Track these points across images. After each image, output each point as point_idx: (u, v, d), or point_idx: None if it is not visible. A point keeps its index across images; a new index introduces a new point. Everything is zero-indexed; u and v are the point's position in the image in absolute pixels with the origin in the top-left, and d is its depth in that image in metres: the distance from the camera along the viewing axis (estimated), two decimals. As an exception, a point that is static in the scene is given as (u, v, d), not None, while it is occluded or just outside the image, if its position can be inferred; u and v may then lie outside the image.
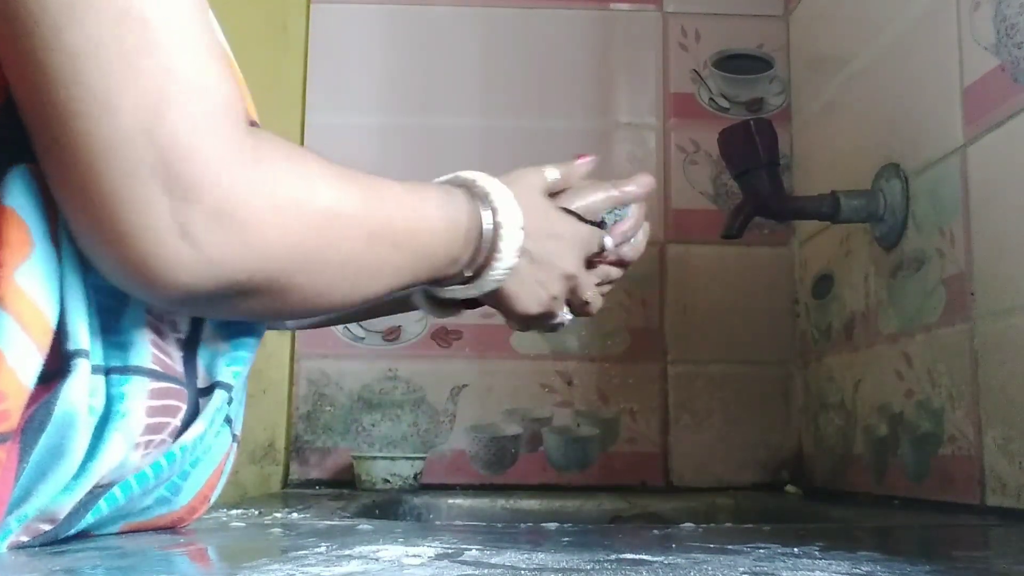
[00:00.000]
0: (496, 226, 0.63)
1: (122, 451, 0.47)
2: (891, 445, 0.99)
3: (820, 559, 0.47)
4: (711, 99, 1.37)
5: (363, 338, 1.30)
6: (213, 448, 0.56)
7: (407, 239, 0.56)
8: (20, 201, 0.44)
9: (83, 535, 0.51)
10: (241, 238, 0.44)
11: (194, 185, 0.42)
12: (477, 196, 0.64)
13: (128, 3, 0.41)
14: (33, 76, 0.41)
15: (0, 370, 0.41)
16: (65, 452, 0.44)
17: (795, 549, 0.51)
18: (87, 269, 0.46)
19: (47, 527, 0.47)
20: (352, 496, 1.06)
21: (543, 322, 0.72)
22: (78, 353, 0.45)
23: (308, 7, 1.37)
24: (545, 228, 0.68)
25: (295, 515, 0.77)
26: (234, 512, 0.76)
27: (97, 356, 0.47)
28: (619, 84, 1.38)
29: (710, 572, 0.42)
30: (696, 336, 1.31)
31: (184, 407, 0.51)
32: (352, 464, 1.20)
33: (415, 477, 1.18)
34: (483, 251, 0.63)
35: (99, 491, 0.48)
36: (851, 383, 1.11)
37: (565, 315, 0.73)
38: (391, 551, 0.48)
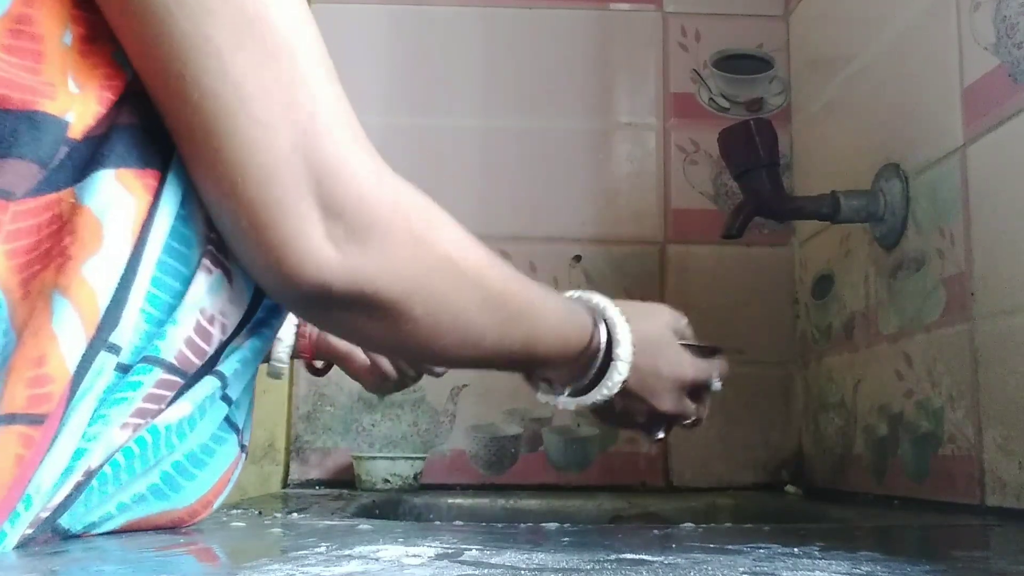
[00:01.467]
0: (609, 350, 0.68)
1: (116, 430, 0.50)
2: (891, 445, 0.99)
3: (820, 559, 0.47)
4: (711, 99, 1.37)
5: (363, 338, 1.30)
6: (218, 453, 0.56)
7: (520, 315, 0.61)
8: (98, 202, 0.47)
9: (84, 535, 0.51)
10: (376, 252, 0.50)
11: (340, 200, 0.49)
12: (598, 316, 0.69)
13: (277, 38, 0.48)
14: (202, 105, 0.47)
15: (52, 354, 0.44)
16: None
17: (795, 549, 0.51)
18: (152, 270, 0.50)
19: (45, 514, 0.47)
20: (352, 496, 1.06)
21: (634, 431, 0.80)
22: (113, 347, 0.47)
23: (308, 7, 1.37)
24: (651, 366, 0.72)
25: (295, 515, 0.77)
26: (234, 512, 0.76)
27: (127, 352, 0.49)
28: (619, 84, 1.38)
29: (710, 572, 0.42)
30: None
31: (171, 395, 0.52)
32: (352, 464, 1.20)
33: (415, 477, 1.18)
34: (590, 371, 0.68)
35: (91, 472, 0.49)
36: (851, 383, 1.11)
37: (657, 436, 0.77)
38: (391, 551, 0.48)
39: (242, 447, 0.60)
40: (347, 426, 1.28)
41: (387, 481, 1.16)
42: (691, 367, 0.75)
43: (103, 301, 0.47)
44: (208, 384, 0.54)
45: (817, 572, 0.42)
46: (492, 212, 1.32)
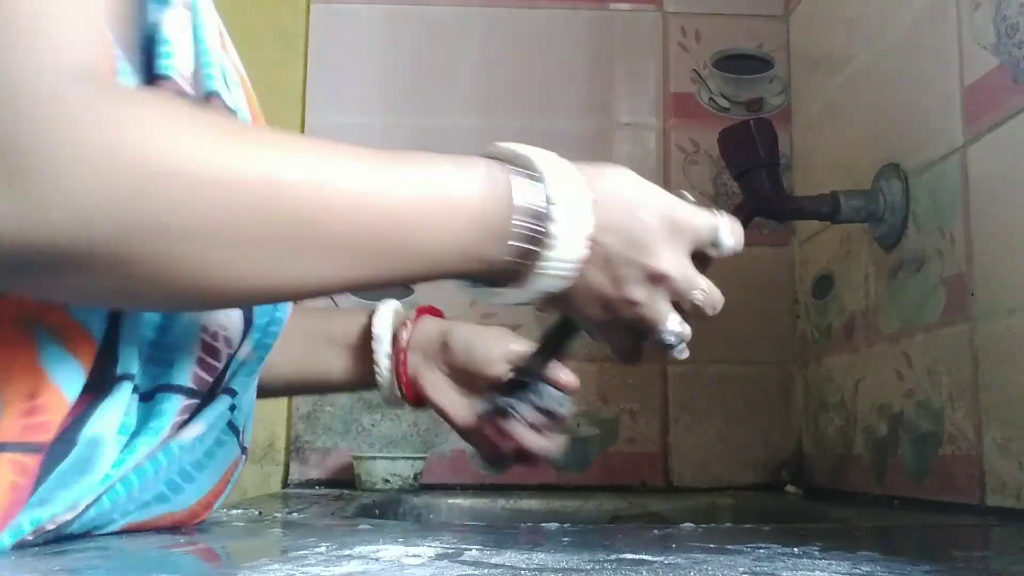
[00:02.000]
0: (547, 204, 0.48)
1: (142, 458, 0.50)
2: (891, 445, 0.99)
3: (820, 559, 0.47)
4: (711, 99, 1.37)
5: (363, 338, 1.30)
6: (218, 455, 0.56)
7: (358, 218, 0.43)
8: None
9: (85, 535, 0.51)
10: (37, 194, 0.35)
11: None
12: (518, 167, 0.49)
13: None
14: None
15: (43, 387, 0.44)
16: (91, 469, 0.47)
17: (795, 549, 0.51)
18: None
19: (52, 527, 0.47)
20: (352, 496, 1.06)
21: (635, 341, 0.57)
22: (125, 376, 0.47)
23: (308, 7, 1.37)
24: (626, 213, 0.53)
25: (295, 515, 0.77)
26: (234, 512, 0.76)
27: (141, 376, 0.49)
28: (619, 84, 1.37)
29: (710, 572, 0.42)
30: (696, 336, 1.30)
31: (188, 417, 0.53)
32: (352, 464, 1.20)
33: (415, 477, 1.18)
34: (530, 235, 0.48)
35: (103, 491, 0.49)
36: (851, 383, 1.11)
37: (673, 329, 0.56)
38: (391, 551, 0.48)
39: (243, 448, 0.60)
40: (347, 426, 1.28)
41: (387, 481, 1.16)
42: (689, 208, 0.55)
43: (94, 330, 0.45)
44: (222, 403, 0.55)
45: (817, 572, 0.42)
46: (492, 212, 1.32)
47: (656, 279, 0.53)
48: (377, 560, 0.45)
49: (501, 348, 0.73)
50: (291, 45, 1.35)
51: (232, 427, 0.58)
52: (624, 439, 1.29)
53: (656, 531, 0.65)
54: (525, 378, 0.65)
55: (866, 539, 0.63)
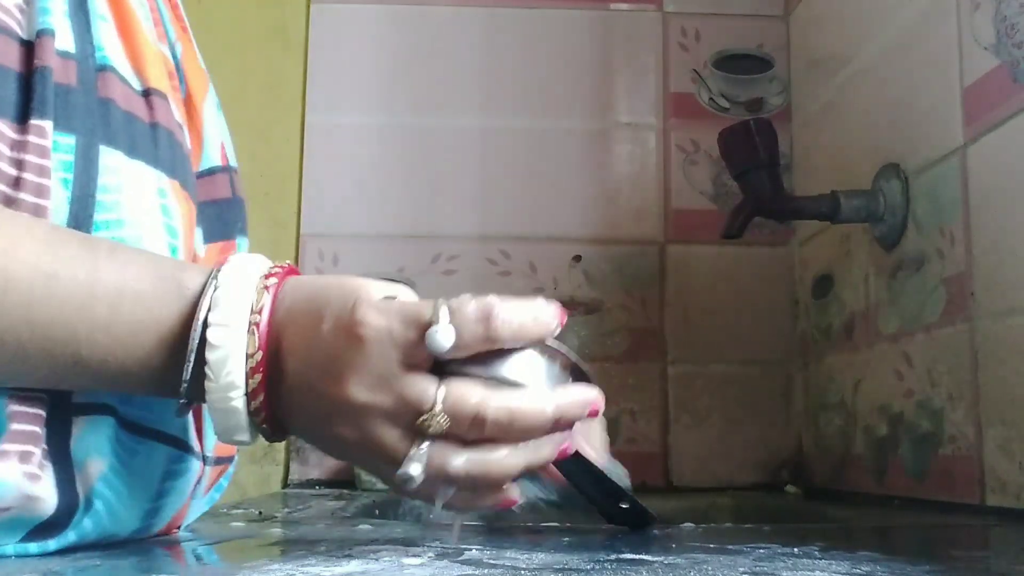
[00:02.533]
0: (205, 326, 0.42)
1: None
2: (891, 445, 0.99)
3: (820, 559, 0.47)
4: (711, 99, 1.37)
5: (363, 338, 1.30)
6: (177, 487, 0.51)
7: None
8: None
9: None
10: None
11: None
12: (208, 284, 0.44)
13: None
14: None
15: None
16: None
17: (795, 549, 0.51)
18: None
19: None
20: (352, 496, 1.05)
21: (385, 475, 0.44)
22: None
23: (308, 7, 1.37)
24: (310, 328, 0.43)
25: (295, 515, 0.77)
26: (234, 512, 0.76)
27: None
28: (619, 84, 1.37)
29: (710, 572, 0.42)
30: (696, 336, 1.31)
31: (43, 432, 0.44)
32: (352, 464, 1.20)
33: (415, 477, 1.18)
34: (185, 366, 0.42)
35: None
36: (851, 383, 1.11)
37: (406, 470, 0.42)
38: (391, 551, 0.48)
39: (203, 459, 0.55)
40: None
41: (387, 481, 1.16)
42: (381, 308, 0.42)
43: None
44: (104, 424, 0.46)
45: (817, 572, 0.42)
46: (492, 212, 1.32)
47: (356, 411, 0.42)
48: (377, 560, 0.45)
49: None
50: (291, 45, 1.35)
51: (182, 446, 0.52)
52: (624, 439, 1.29)
53: (656, 531, 0.65)
54: None
55: (866, 539, 0.63)
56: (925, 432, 0.92)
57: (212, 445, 0.57)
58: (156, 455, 0.50)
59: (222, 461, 0.60)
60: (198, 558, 0.49)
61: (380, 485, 1.15)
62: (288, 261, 0.47)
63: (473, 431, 0.42)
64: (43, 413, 0.44)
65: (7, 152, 0.43)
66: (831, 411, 1.17)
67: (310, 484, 1.26)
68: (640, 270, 1.32)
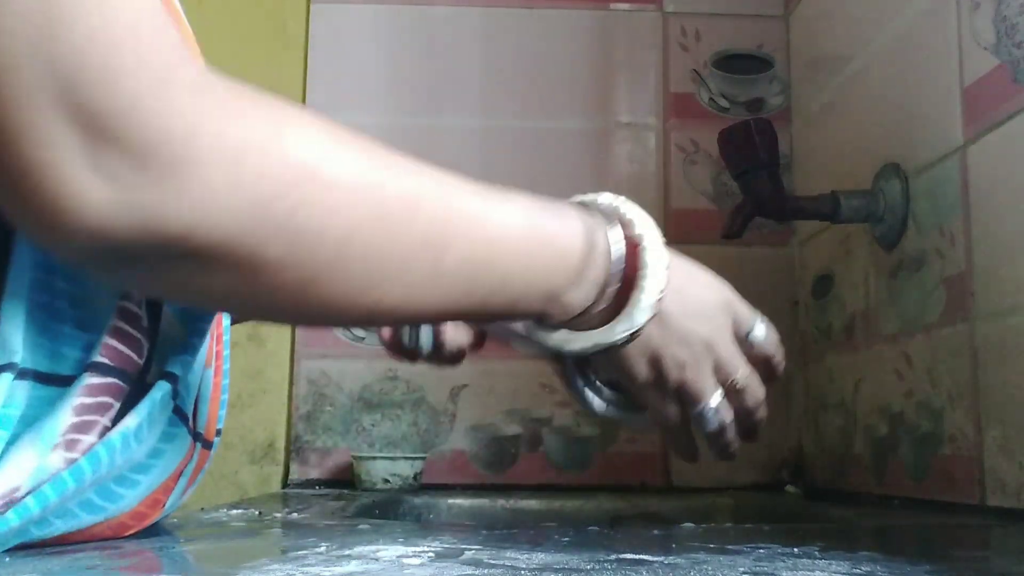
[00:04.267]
0: (636, 244, 0.50)
1: (34, 459, 0.43)
2: (891, 445, 0.99)
3: (820, 559, 0.47)
4: (711, 99, 1.37)
5: (363, 338, 1.30)
6: (168, 453, 0.51)
7: (461, 236, 0.44)
8: None
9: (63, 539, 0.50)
10: (175, 182, 0.35)
11: (107, 114, 0.34)
12: (602, 213, 0.52)
13: None
14: None
15: None
16: None
17: (795, 549, 0.51)
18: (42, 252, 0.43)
19: None
20: (352, 496, 1.05)
21: (678, 412, 0.57)
22: (5, 368, 0.42)
23: (308, 7, 1.37)
24: (687, 284, 0.55)
25: (295, 515, 0.77)
26: (234, 512, 0.76)
27: (28, 358, 0.43)
28: (619, 84, 1.37)
29: (710, 572, 0.42)
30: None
31: (117, 404, 0.46)
32: (352, 464, 1.20)
33: (415, 477, 1.18)
34: (611, 280, 0.50)
35: (11, 502, 0.42)
36: (851, 383, 1.11)
37: (715, 405, 0.56)
38: (391, 551, 0.48)
39: (195, 435, 0.54)
40: (347, 426, 1.28)
41: (387, 481, 1.16)
42: (736, 294, 0.58)
43: None
44: (156, 390, 0.47)
45: (817, 572, 0.42)
46: (492, 212, 1.32)
47: (705, 346, 0.55)
48: (377, 560, 0.45)
49: None
50: (291, 45, 1.35)
51: (180, 415, 0.51)
52: (624, 439, 1.29)
53: (656, 531, 0.65)
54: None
55: (866, 539, 0.63)
56: (925, 432, 0.92)
57: (203, 424, 0.56)
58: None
59: (207, 445, 0.58)
60: (198, 558, 0.49)
61: (380, 485, 1.15)
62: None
63: (740, 399, 0.58)
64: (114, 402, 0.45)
65: None
66: (831, 411, 1.17)
67: (310, 484, 1.26)
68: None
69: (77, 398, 0.44)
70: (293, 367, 1.30)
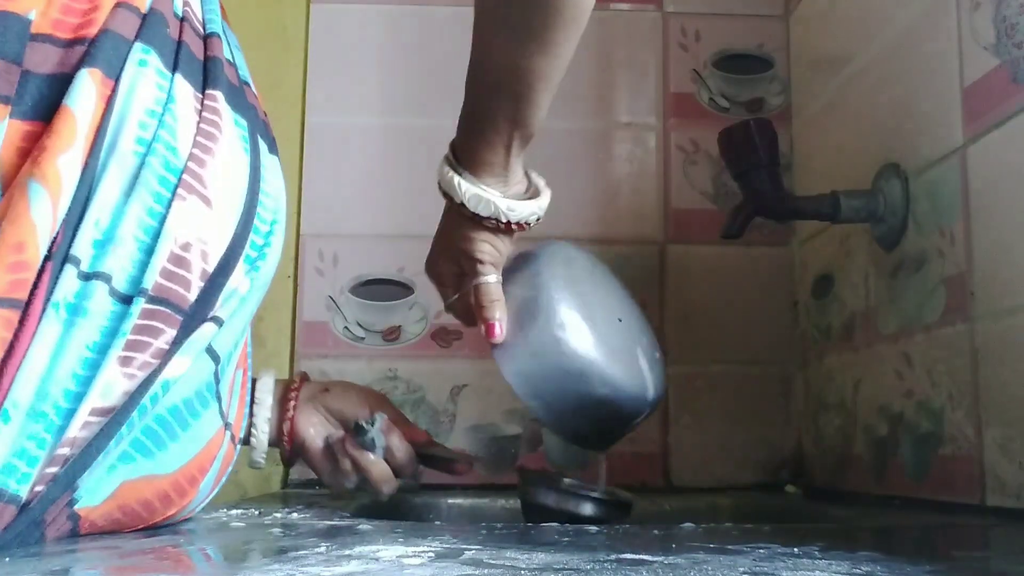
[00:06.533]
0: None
1: (120, 375, 0.50)
2: (891, 445, 0.99)
3: (820, 559, 0.47)
4: (711, 99, 1.37)
5: (363, 338, 1.30)
6: (202, 417, 0.55)
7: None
8: (77, 102, 0.49)
9: (84, 517, 0.51)
10: None
11: None
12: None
13: None
14: None
15: (30, 242, 0.46)
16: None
17: (795, 549, 0.51)
18: (134, 186, 0.50)
19: (66, 451, 0.48)
20: (352, 496, 1.05)
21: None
22: (69, 259, 0.48)
23: (308, 7, 1.37)
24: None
25: (295, 515, 0.77)
26: (234, 512, 0.76)
27: (121, 280, 0.50)
28: (619, 84, 1.38)
29: (710, 572, 0.42)
30: (696, 336, 1.31)
31: (171, 332, 0.52)
32: (352, 464, 1.20)
33: (415, 477, 1.18)
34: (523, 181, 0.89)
35: (109, 423, 0.49)
36: (851, 383, 1.11)
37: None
38: (391, 551, 0.48)
39: (227, 425, 0.58)
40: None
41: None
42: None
43: (68, 195, 0.48)
44: (207, 328, 0.53)
45: (817, 572, 0.42)
46: (492, 212, 1.32)
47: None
48: (377, 560, 0.45)
49: (372, 400, 0.93)
50: (291, 45, 1.35)
51: (215, 394, 0.56)
52: (624, 439, 1.29)
53: (656, 531, 0.65)
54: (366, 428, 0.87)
55: (866, 539, 0.63)
56: (925, 432, 0.92)
57: (234, 416, 0.60)
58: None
59: (235, 442, 0.62)
60: (198, 558, 0.49)
61: (380, 485, 1.15)
62: None
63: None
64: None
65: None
66: (831, 411, 1.17)
67: (310, 484, 1.26)
68: (640, 270, 1.32)
69: (136, 320, 0.50)
70: (293, 367, 1.29)
